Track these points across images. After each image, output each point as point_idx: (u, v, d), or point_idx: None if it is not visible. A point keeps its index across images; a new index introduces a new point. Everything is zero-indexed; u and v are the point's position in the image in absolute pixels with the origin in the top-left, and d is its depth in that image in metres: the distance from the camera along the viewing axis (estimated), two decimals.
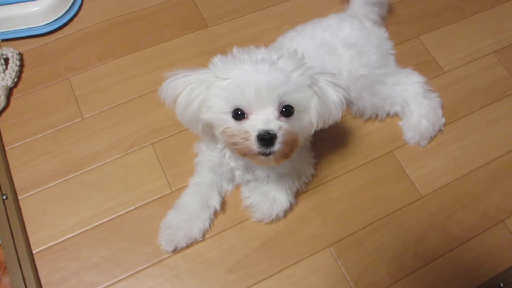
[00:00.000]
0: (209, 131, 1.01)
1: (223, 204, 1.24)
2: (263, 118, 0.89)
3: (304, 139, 1.00)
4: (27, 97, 1.41)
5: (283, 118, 0.91)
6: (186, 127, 1.02)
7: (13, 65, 1.41)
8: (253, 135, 0.88)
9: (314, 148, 1.26)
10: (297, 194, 1.25)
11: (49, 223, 1.22)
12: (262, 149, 0.89)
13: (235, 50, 0.96)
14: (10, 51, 1.43)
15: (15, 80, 1.42)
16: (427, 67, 1.50)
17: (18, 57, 1.43)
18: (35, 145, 1.33)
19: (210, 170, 1.21)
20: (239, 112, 0.91)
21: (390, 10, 1.58)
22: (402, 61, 1.41)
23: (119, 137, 1.34)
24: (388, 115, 1.37)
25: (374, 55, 1.27)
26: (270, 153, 0.90)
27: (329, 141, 1.32)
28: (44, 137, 1.34)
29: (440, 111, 1.36)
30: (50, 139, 1.34)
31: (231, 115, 0.91)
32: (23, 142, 1.34)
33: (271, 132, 0.87)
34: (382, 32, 1.34)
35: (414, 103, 1.33)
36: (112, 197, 1.26)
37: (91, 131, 1.35)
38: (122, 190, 1.27)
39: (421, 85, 1.34)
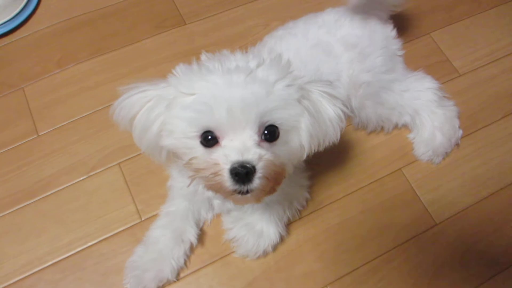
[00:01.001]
0: (175, 160, 0.81)
1: (202, 235, 1.06)
2: (238, 145, 0.70)
3: (293, 167, 0.80)
4: None
5: (265, 144, 0.73)
6: (146, 154, 0.83)
7: None
8: (225, 168, 0.69)
9: (309, 167, 1.08)
10: (289, 223, 1.07)
11: None
12: (237, 187, 0.70)
13: (203, 56, 0.78)
14: None
15: None
16: (440, 69, 1.31)
17: None
18: None
19: (185, 197, 1.02)
20: (209, 137, 0.72)
21: None
22: (411, 62, 1.20)
23: (80, 157, 1.16)
24: (395, 126, 1.19)
25: (379, 57, 1.08)
26: (247, 191, 0.71)
27: (327, 157, 1.12)
28: None
29: (457, 122, 1.17)
30: (1, 160, 1.16)
31: (199, 139, 0.73)
32: None
33: (247, 165, 0.68)
34: (388, 30, 1.14)
35: (426, 113, 1.14)
36: (70, 229, 1.08)
37: (48, 150, 1.17)
38: (82, 221, 1.09)
39: (435, 91, 1.16)
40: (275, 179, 0.73)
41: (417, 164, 1.17)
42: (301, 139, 0.76)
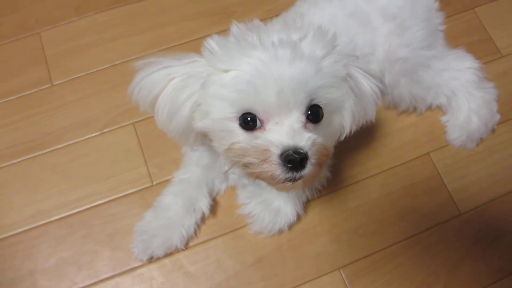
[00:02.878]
0: (205, 142, 0.76)
1: (214, 205, 1.03)
2: (287, 129, 0.65)
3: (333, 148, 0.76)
4: None
5: (310, 125, 0.68)
6: (171, 137, 0.76)
7: None
8: (276, 153, 0.64)
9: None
10: (307, 201, 1.02)
11: (2, 210, 1.04)
12: (289, 175, 0.65)
13: (234, 27, 0.71)
14: None
15: None
16: (481, 49, 1.21)
17: None
18: None
19: (199, 165, 0.97)
20: (249, 119, 0.66)
21: None
22: (451, 38, 1.11)
23: (94, 112, 1.12)
24: (429, 107, 1.11)
25: (419, 31, 1.00)
26: (299, 178, 0.66)
27: (352, 136, 1.06)
28: (5, 104, 1.13)
29: (495, 106, 1.10)
30: (12, 107, 1.13)
31: (238, 122, 0.67)
32: None
33: (301, 151, 0.63)
34: (431, 2, 1.05)
35: (464, 94, 1.07)
36: (79, 185, 1.05)
37: (61, 101, 1.13)
38: (92, 178, 1.06)
39: (475, 71, 1.08)
40: (324, 162, 0.69)
41: (447, 149, 1.10)
42: (343, 119, 0.72)
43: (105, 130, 1.09)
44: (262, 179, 0.69)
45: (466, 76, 1.07)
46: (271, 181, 0.68)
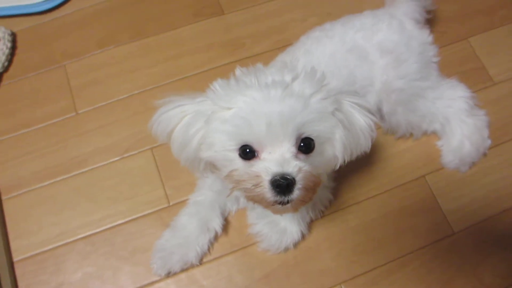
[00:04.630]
0: (213, 170, 0.85)
1: (226, 225, 1.10)
2: (278, 158, 0.73)
3: (326, 175, 0.83)
4: (18, 84, 1.28)
5: (301, 155, 0.75)
6: (184, 166, 0.85)
7: (4, 47, 1.27)
8: (266, 180, 0.72)
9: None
10: (311, 221, 1.10)
11: (32, 230, 1.12)
12: (278, 198, 0.73)
13: (238, 71, 0.79)
14: (1, 31, 1.28)
15: (6, 64, 1.27)
16: (474, 76, 1.29)
17: (10, 38, 1.28)
18: (23, 140, 1.21)
19: (212, 190, 1.06)
20: (248, 150, 0.75)
21: (437, 4, 1.35)
22: (446, 67, 1.19)
23: (115, 139, 1.20)
24: (424, 133, 1.19)
25: (414, 64, 1.07)
26: (287, 202, 0.74)
27: (353, 159, 1.15)
28: (34, 131, 1.22)
29: (486, 132, 1.17)
30: (40, 135, 1.22)
31: (238, 153, 0.75)
32: (10, 135, 1.22)
33: (288, 177, 0.71)
34: (425, 36, 1.12)
35: (456, 121, 1.14)
36: (102, 206, 1.14)
37: (85, 128, 1.22)
38: (114, 200, 1.14)
39: (467, 100, 1.15)
40: (313, 189, 0.76)
41: (442, 172, 1.17)
42: (335, 150, 0.78)
43: (125, 155, 1.18)
44: (256, 202, 0.77)
45: (458, 104, 1.13)
46: (264, 203, 0.76)
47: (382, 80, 1.07)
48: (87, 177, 1.16)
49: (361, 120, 0.80)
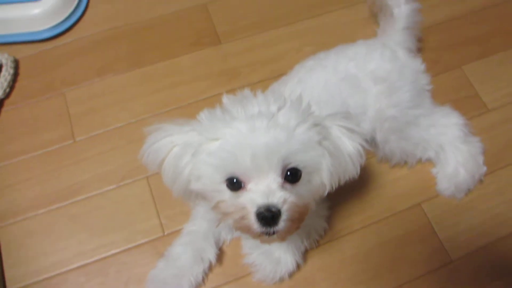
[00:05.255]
0: (204, 201, 0.86)
1: (220, 254, 1.09)
2: (264, 189, 0.73)
3: (315, 203, 0.83)
4: (18, 110, 1.29)
5: (288, 185, 0.75)
6: (176, 197, 0.86)
7: (6, 73, 1.29)
8: (252, 212, 0.72)
9: (329, 197, 1.06)
10: (306, 251, 1.09)
11: (27, 259, 1.11)
12: (264, 229, 0.73)
13: (225, 99, 0.80)
14: (4, 57, 1.31)
15: (7, 90, 1.29)
16: (468, 104, 1.30)
17: (12, 65, 1.31)
18: (20, 167, 1.21)
19: (206, 219, 1.05)
20: (235, 181, 0.75)
21: (430, 33, 1.37)
22: (439, 95, 1.20)
23: (112, 167, 1.21)
24: (419, 161, 1.19)
25: (407, 92, 1.08)
26: (274, 233, 0.74)
27: (348, 188, 1.11)
28: (31, 158, 1.22)
29: (481, 159, 1.17)
30: (38, 161, 1.22)
31: (226, 184, 0.76)
32: (7, 162, 1.22)
33: (273, 209, 0.71)
34: (418, 64, 1.14)
35: (451, 148, 1.14)
36: (97, 235, 1.13)
37: (82, 156, 1.22)
38: (109, 228, 1.14)
39: (461, 127, 1.16)
40: (299, 219, 0.76)
41: (438, 200, 1.17)
42: (322, 178, 0.78)
43: (121, 184, 1.18)
44: (244, 232, 0.77)
45: (452, 131, 1.14)
46: (251, 234, 0.76)
47: (375, 108, 1.07)
48: (83, 206, 1.16)
49: (350, 146, 0.80)
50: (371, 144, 1.11)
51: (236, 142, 0.72)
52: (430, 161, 1.19)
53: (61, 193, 1.18)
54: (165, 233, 1.12)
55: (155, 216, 1.14)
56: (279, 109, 0.75)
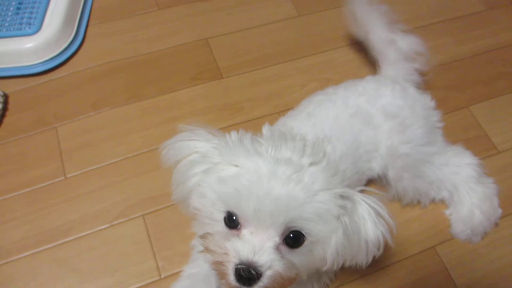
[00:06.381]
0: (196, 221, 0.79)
1: None
2: (255, 243, 0.66)
3: (308, 274, 0.74)
4: (6, 146, 1.21)
5: (285, 248, 0.68)
6: (175, 201, 0.80)
7: None
8: (232, 262, 0.66)
9: None
10: None
11: None
12: (238, 285, 0.67)
13: (265, 129, 0.75)
14: None
15: None
16: (478, 144, 1.26)
17: (1, 99, 1.24)
18: (6, 206, 1.12)
19: (208, 260, 0.96)
20: (234, 218, 0.68)
21: (436, 72, 1.35)
22: (448, 134, 1.16)
23: (105, 204, 1.12)
24: (432, 201, 1.13)
25: (419, 129, 1.04)
26: None
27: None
28: (18, 196, 1.14)
29: (496, 201, 1.12)
30: (24, 200, 1.13)
31: (224, 215, 0.69)
32: None
33: (252, 271, 0.65)
34: (427, 100, 1.11)
35: (465, 189, 1.10)
36: (87, 279, 1.03)
37: (73, 194, 1.14)
38: (100, 273, 1.04)
39: (474, 167, 1.11)
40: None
41: (453, 243, 1.10)
42: (326, 253, 0.70)
43: (114, 223, 1.10)
44: (219, 277, 0.71)
45: (466, 171, 1.10)
46: (224, 282, 0.69)
47: (387, 145, 1.03)
48: (72, 247, 1.07)
49: (371, 232, 0.71)
50: (382, 181, 1.07)
51: (248, 182, 0.65)
52: (443, 202, 1.14)
53: (49, 234, 1.09)
54: (162, 276, 1.03)
55: (151, 258, 1.05)
56: (311, 164, 0.68)
